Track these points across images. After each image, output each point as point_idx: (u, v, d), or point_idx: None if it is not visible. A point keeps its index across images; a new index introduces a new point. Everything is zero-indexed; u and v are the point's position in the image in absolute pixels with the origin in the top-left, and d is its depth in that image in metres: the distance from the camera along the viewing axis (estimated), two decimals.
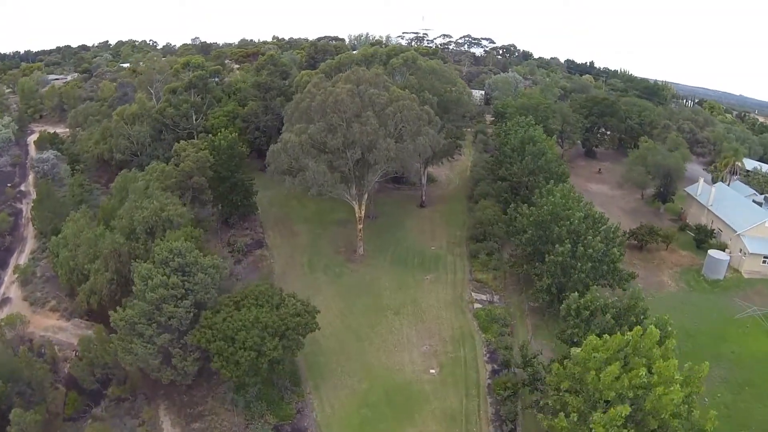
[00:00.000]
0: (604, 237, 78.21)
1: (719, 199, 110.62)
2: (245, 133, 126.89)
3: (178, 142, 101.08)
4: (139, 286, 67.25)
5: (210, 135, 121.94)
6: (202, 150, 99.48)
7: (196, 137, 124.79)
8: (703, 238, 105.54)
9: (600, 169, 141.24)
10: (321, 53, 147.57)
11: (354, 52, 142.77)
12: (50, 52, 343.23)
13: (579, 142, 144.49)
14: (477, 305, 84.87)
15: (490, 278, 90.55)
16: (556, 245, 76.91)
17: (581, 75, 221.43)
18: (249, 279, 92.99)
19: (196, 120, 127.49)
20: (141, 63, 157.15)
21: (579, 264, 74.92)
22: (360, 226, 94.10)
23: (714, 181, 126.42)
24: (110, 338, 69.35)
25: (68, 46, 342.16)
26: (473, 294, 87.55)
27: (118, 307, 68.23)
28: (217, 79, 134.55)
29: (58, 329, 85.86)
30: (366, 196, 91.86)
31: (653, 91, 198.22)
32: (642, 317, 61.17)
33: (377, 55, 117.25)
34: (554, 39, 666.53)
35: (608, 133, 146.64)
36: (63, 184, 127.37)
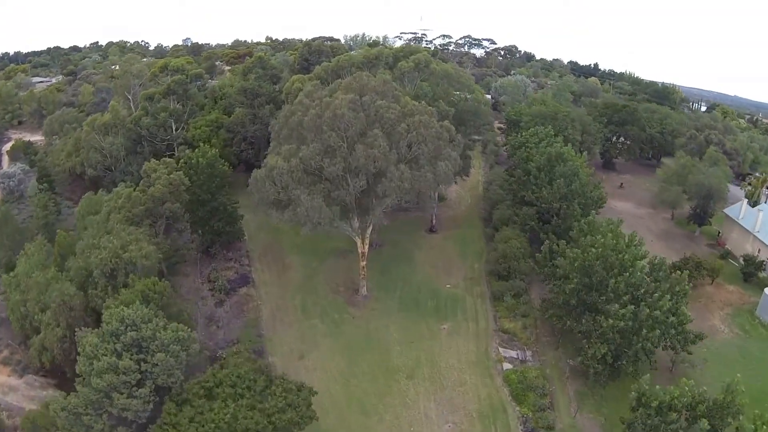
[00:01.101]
0: (668, 290, 60.59)
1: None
2: (231, 145, 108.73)
3: (149, 162, 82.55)
4: (83, 367, 49.42)
5: (190, 148, 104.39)
6: (177, 170, 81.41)
7: (175, 150, 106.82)
8: (752, 271, 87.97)
9: (622, 184, 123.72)
10: (315, 54, 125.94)
11: (352, 52, 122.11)
12: (41, 53, 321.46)
13: (598, 153, 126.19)
14: (506, 365, 67.38)
15: (518, 328, 72.97)
16: (614, 305, 59.13)
17: (587, 77, 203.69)
18: (232, 326, 75.39)
19: (175, 130, 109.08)
20: (116, 66, 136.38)
21: (644, 330, 57.29)
22: (363, 263, 76.12)
23: (749, 199, 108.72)
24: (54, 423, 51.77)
25: (58, 47, 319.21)
26: (501, 350, 69.96)
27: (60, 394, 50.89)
28: (199, 83, 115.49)
29: (9, 389, 68.40)
30: (370, 228, 73.72)
31: (663, 95, 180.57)
32: (739, 416, 44.43)
33: (382, 56, 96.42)
34: (553, 39, 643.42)
35: (628, 143, 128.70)
36: (30, 204, 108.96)
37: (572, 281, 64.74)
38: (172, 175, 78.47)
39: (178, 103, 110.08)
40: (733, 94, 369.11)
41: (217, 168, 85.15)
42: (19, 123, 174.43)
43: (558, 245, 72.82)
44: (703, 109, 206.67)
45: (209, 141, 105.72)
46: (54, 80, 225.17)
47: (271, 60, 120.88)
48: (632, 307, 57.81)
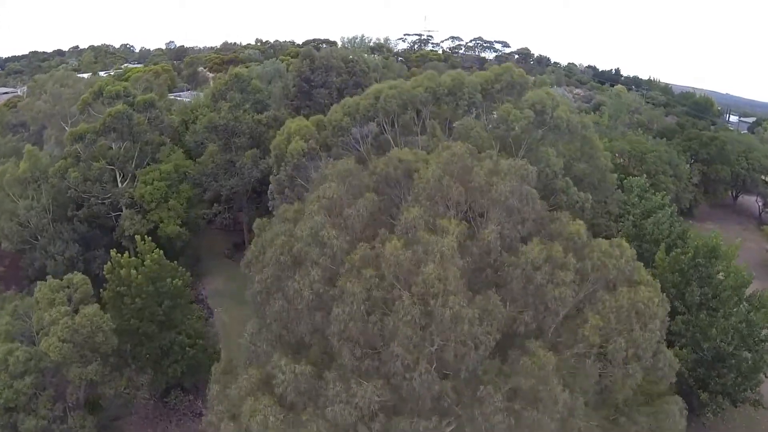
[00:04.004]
0: None
1: None
2: (199, 204, 70.45)
3: (42, 285, 43.40)
4: None
5: (139, 212, 66.55)
6: (95, 298, 43.34)
7: (123, 213, 67.74)
8: None
9: None
10: (321, 73, 74.57)
11: (393, 80, 65.79)
12: (21, 57, 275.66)
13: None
14: None
15: None
16: None
17: (612, 85, 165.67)
18: None
19: (122, 183, 69.98)
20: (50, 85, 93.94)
21: None
22: None
23: None
24: None
25: (35, 52, 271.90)
26: None
27: None
28: (156, 113, 74.42)
29: None
30: None
31: (703, 108, 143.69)
32: None
33: (463, 90, 44.69)
34: (540, 37, 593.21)
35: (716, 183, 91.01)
36: None
37: None
38: (79, 318, 39.81)
39: (122, 143, 70.51)
40: (725, 92, 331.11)
41: (165, 284, 46.63)
42: None
43: None
44: (734, 119, 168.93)
45: (166, 200, 67.27)
46: (19, 91, 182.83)
47: (254, 79, 79.91)
48: None
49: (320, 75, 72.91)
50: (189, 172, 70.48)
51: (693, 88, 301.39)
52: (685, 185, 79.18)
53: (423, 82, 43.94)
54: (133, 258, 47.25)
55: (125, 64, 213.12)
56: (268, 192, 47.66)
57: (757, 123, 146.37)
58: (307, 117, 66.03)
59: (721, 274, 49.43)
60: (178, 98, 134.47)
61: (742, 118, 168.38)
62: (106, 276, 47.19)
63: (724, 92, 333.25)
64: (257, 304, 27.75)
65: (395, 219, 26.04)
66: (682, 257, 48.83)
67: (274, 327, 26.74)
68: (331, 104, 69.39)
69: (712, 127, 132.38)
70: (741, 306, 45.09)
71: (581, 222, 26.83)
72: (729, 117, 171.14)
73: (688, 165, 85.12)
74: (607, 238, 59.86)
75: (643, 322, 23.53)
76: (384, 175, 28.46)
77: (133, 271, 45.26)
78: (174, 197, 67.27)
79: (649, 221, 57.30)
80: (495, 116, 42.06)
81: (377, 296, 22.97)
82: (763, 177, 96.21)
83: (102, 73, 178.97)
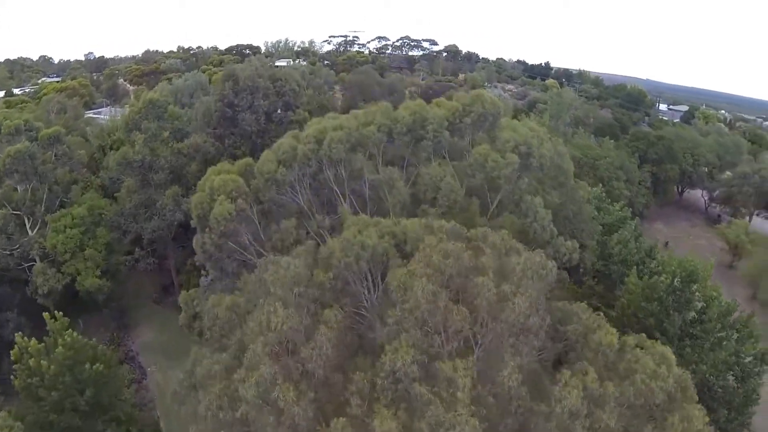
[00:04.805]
0: None
1: None
2: (120, 248, 61.80)
3: None
4: None
5: (52, 265, 57.76)
6: None
7: (35, 267, 58.37)
8: None
9: (667, 243, 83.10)
10: (246, 96, 62.62)
11: (345, 115, 44.87)
12: None
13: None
14: None
15: None
16: None
17: (543, 79, 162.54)
18: None
19: (32, 230, 60.59)
20: None
21: None
22: None
23: None
24: None
25: None
26: None
27: None
28: (63, 148, 64.69)
29: None
30: None
31: (636, 99, 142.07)
32: None
33: (425, 126, 35.50)
34: (472, 34, 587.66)
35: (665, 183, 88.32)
36: None
37: None
38: None
39: (28, 185, 61.05)
40: (645, 77, 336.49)
41: (85, 370, 38.40)
42: None
43: None
44: (663, 107, 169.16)
45: (82, 249, 58.43)
46: None
47: (170, 105, 70.42)
48: None
49: (245, 98, 63.96)
50: (105, 213, 61.57)
51: (617, 75, 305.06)
52: (637, 189, 75.70)
53: (376, 117, 36.19)
54: (43, 342, 38.59)
55: (42, 79, 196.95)
56: (194, 245, 39.72)
57: (691, 114, 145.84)
58: (233, 150, 58.79)
59: (697, 294, 45.47)
60: (98, 116, 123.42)
61: (671, 107, 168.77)
62: (14, 366, 38.69)
63: (644, 77, 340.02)
64: None
65: (365, 333, 19.54)
66: (660, 284, 44.37)
67: None
68: (259, 130, 62.04)
69: (646, 119, 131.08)
70: (727, 333, 41.11)
71: (611, 329, 21.03)
72: (659, 106, 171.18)
73: (638, 166, 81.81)
74: (576, 270, 54.73)
75: None
76: (343, 267, 21.72)
77: (44, 362, 36.83)
78: (90, 244, 58.41)
79: (613, 239, 53.24)
80: (469, 160, 35.28)
81: None
82: (705, 169, 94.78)
83: (17, 90, 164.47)
